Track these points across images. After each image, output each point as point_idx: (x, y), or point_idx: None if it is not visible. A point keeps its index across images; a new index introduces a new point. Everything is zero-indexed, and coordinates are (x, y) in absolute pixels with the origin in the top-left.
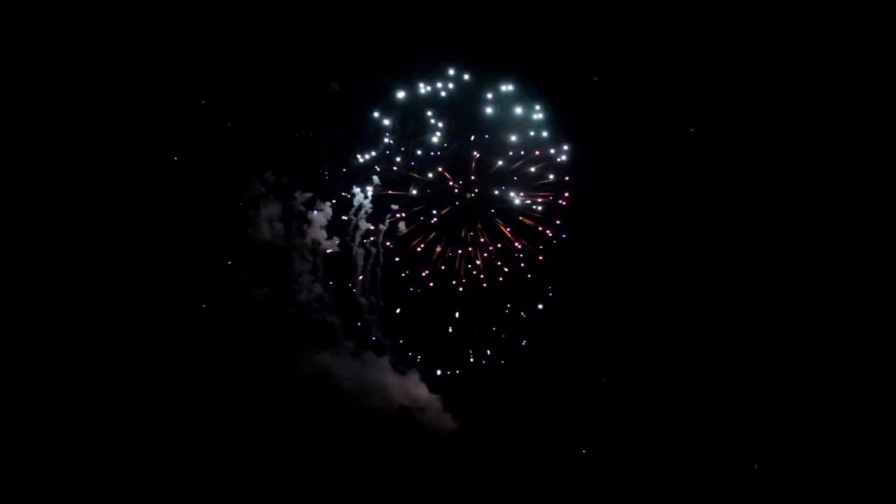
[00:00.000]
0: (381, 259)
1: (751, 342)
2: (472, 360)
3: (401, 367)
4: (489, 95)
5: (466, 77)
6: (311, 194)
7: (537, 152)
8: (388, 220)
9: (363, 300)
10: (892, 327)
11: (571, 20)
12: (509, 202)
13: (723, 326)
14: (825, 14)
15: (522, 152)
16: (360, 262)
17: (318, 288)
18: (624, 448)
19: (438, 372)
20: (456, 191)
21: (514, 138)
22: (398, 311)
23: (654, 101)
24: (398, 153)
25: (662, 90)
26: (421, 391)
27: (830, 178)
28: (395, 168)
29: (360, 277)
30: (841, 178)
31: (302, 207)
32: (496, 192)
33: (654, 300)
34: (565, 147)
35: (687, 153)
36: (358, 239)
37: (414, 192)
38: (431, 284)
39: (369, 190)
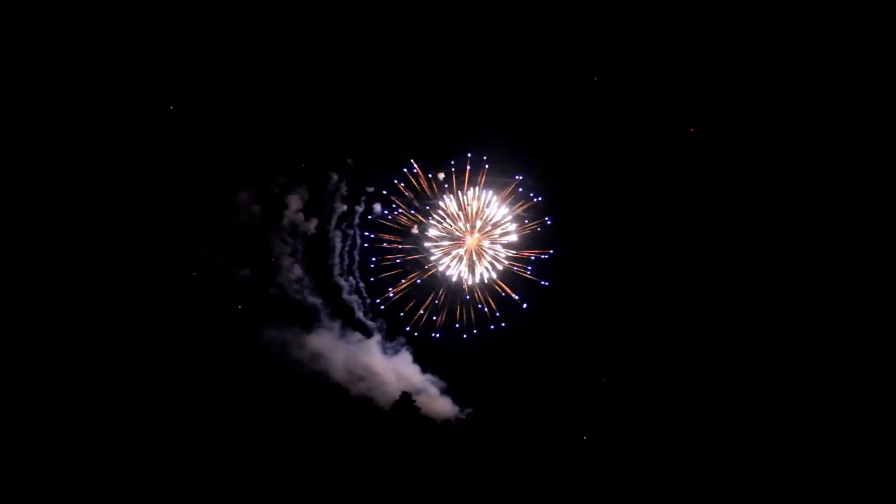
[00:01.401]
0: (359, 240)
1: (750, 341)
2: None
3: (390, 348)
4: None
5: None
6: (286, 178)
7: None
8: (363, 201)
9: (342, 281)
10: (893, 327)
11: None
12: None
13: (722, 326)
14: (825, 14)
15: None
16: (338, 244)
17: (297, 270)
18: (623, 441)
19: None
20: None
21: None
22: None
23: (652, 103)
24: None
25: (661, 92)
26: (413, 373)
27: (831, 179)
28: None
29: (339, 259)
30: (841, 178)
31: (277, 190)
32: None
33: (653, 301)
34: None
35: (686, 155)
36: (334, 221)
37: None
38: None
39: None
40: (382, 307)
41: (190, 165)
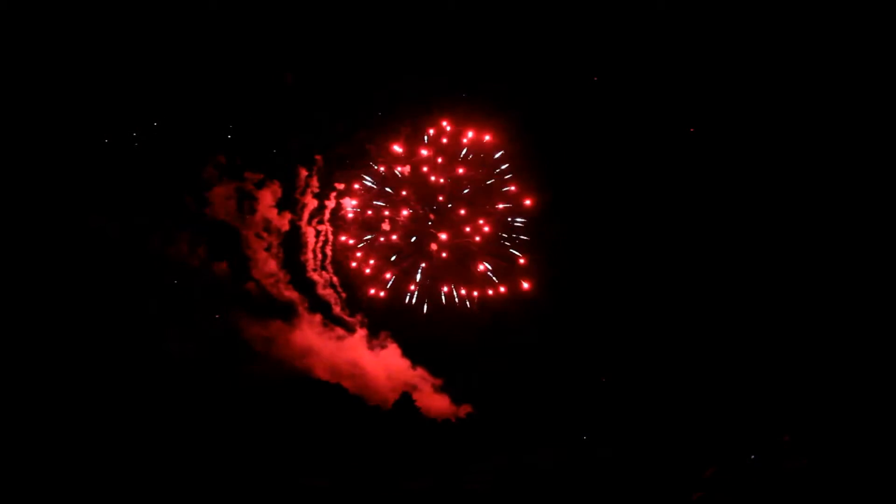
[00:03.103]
0: (331, 236)
1: (749, 340)
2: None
3: (376, 343)
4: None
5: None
6: (261, 175)
7: None
8: (334, 197)
9: (317, 276)
10: (892, 327)
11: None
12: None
13: (722, 325)
14: (825, 14)
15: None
16: (311, 240)
17: (272, 265)
18: (623, 439)
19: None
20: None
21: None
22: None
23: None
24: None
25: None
26: (404, 368)
27: (831, 179)
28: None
29: (311, 254)
30: (841, 178)
31: (252, 186)
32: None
33: (653, 300)
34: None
35: (686, 155)
36: (306, 217)
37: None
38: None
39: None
40: (370, 294)
41: (162, 162)
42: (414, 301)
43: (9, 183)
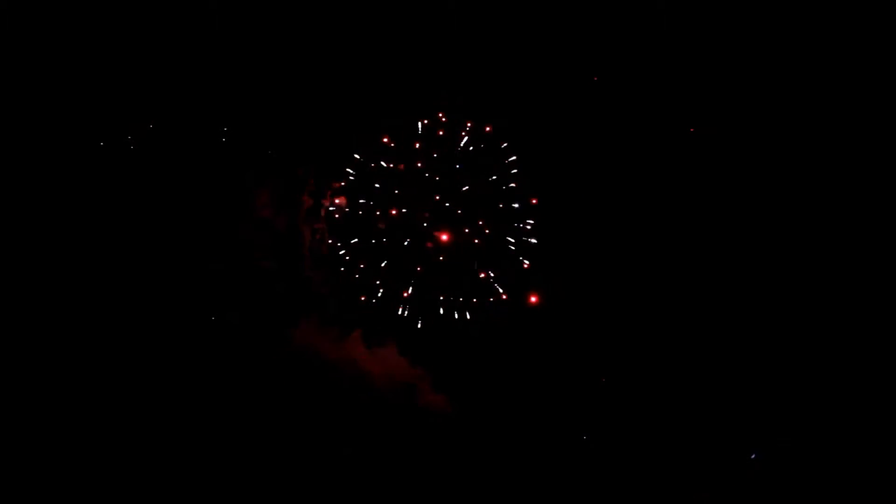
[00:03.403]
0: (327, 234)
1: (749, 340)
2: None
3: (373, 341)
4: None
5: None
6: (258, 174)
7: None
8: (329, 194)
9: (313, 275)
10: (892, 327)
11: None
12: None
13: (723, 326)
14: (825, 14)
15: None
16: (308, 238)
17: (269, 264)
18: (623, 437)
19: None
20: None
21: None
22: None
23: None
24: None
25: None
26: (403, 367)
27: (831, 179)
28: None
29: (308, 252)
30: (841, 179)
31: (249, 185)
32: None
33: (653, 300)
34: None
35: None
36: (303, 215)
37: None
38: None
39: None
40: (362, 298)
41: (159, 163)
42: (408, 310)
43: (7, 184)
